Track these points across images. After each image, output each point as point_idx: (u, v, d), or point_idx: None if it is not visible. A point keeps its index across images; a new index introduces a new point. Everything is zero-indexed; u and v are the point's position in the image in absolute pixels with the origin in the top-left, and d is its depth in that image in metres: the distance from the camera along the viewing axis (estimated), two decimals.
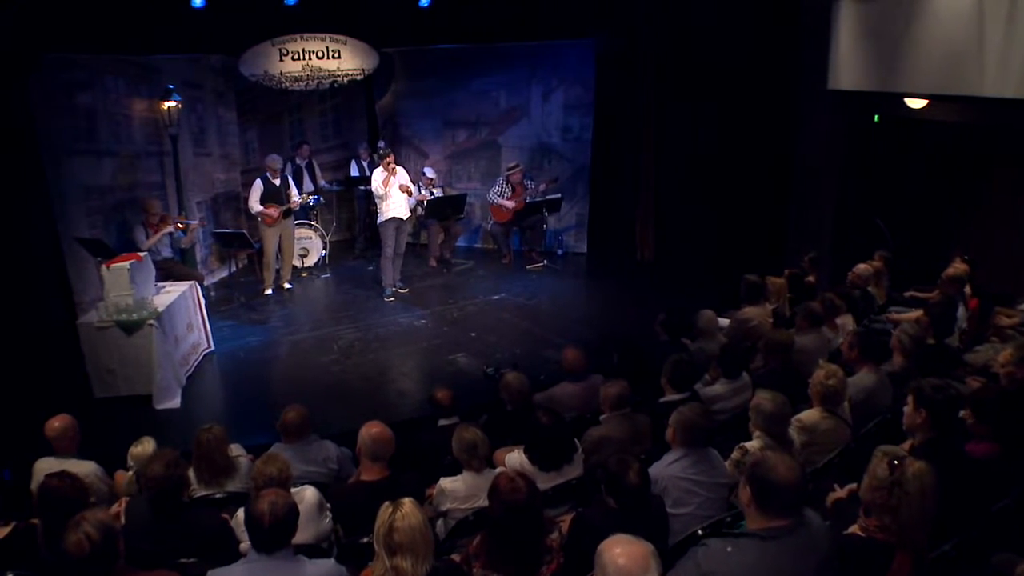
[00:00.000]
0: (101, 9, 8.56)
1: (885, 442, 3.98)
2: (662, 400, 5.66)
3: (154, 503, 4.23)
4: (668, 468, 4.38)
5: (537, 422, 4.79)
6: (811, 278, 8.61)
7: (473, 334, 9.19)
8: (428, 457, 5.45)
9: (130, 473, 5.32)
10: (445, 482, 4.57)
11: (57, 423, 5.31)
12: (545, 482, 4.61)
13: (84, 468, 5.19)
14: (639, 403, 5.61)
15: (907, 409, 4.23)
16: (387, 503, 3.33)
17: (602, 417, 5.37)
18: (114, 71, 9.80)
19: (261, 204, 10.67)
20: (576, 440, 5.01)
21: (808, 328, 6.67)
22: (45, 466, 5.15)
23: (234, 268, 11.73)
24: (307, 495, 4.43)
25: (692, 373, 5.85)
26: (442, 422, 5.77)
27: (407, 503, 3.30)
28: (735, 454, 4.60)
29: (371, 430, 4.51)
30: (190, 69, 11.22)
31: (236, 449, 5.83)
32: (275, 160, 10.89)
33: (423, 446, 5.63)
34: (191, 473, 4.98)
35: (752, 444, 4.60)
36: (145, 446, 5.34)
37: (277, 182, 10.78)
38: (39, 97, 8.50)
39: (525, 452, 4.78)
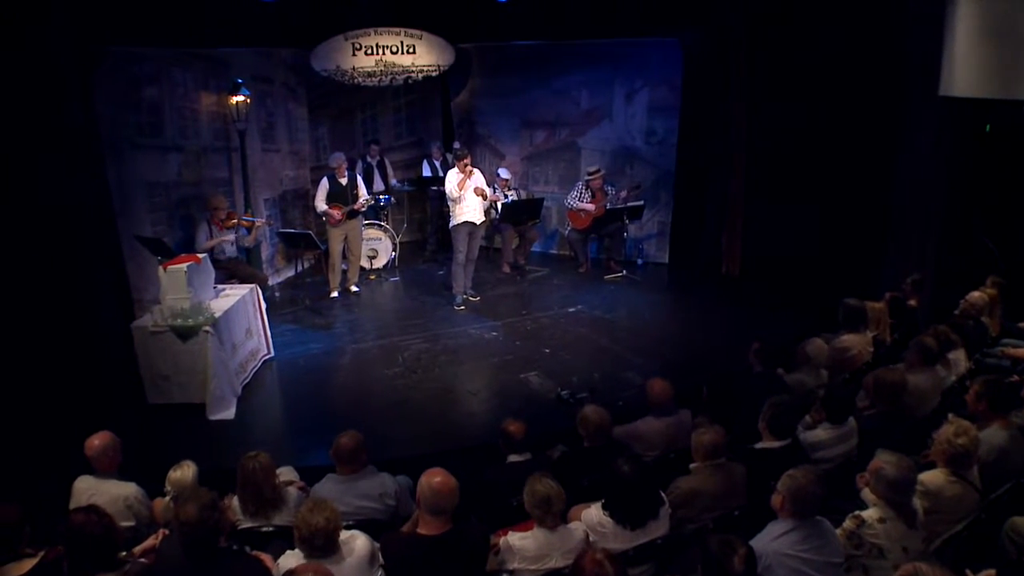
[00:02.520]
0: (169, 1, 8.28)
1: (1020, 512, 3.51)
2: (759, 446, 5.06)
3: (187, 548, 3.76)
4: (775, 543, 3.77)
5: (618, 472, 4.19)
6: (913, 302, 7.80)
7: (547, 350, 8.59)
8: (494, 497, 4.94)
9: (167, 499, 4.87)
10: (514, 539, 4.01)
11: (97, 441, 4.94)
12: (626, 541, 4.10)
13: (124, 490, 4.90)
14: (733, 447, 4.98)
15: None
16: None
17: (692, 466, 4.74)
18: (182, 64, 9.49)
19: (327, 204, 10.28)
20: (662, 492, 4.41)
21: (920, 366, 5.93)
22: (84, 486, 4.88)
23: (301, 268, 11.36)
24: (357, 546, 3.91)
25: (794, 418, 5.18)
26: (512, 458, 5.18)
27: None
28: (848, 523, 3.95)
29: (432, 480, 3.94)
30: (260, 63, 10.90)
31: (287, 473, 5.49)
32: (337, 159, 10.50)
33: (490, 484, 5.06)
34: (235, 503, 4.61)
35: (869, 514, 3.95)
36: (184, 471, 4.89)
37: (343, 181, 10.36)
38: (104, 91, 8.25)
39: (604, 507, 4.19)
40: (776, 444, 4.98)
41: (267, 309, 8.74)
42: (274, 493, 4.61)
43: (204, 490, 4.01)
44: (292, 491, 4.86)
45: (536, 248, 12.46)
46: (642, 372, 7.85)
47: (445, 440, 6.72)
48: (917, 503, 4.04)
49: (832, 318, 7.30)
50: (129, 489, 4.90)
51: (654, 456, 5.48)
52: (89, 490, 4.82)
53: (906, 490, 3.94)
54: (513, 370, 8.06)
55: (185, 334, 7.12)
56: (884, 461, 3.95)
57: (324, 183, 10.37)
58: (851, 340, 6.80)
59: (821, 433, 5.19)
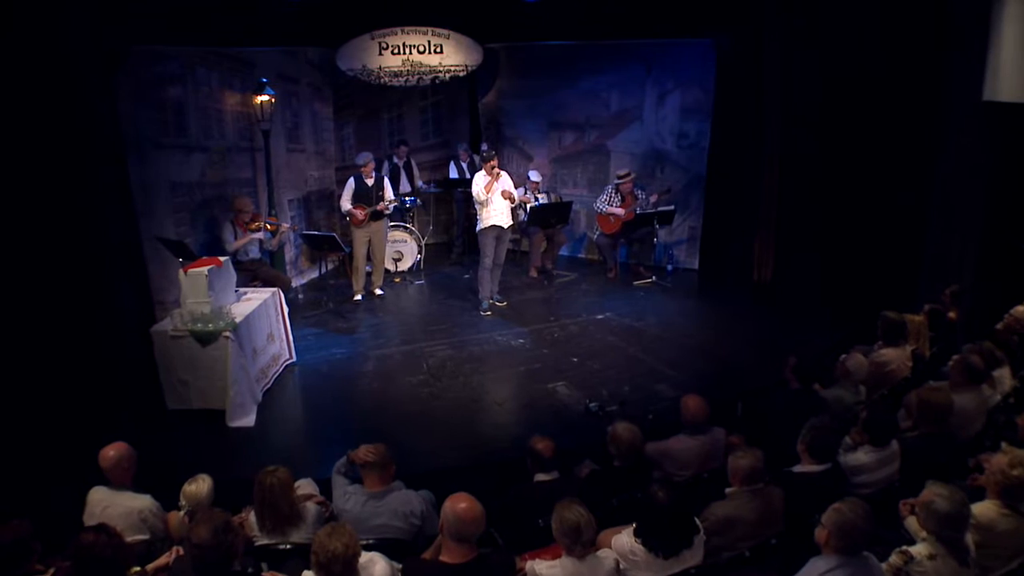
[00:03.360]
0: (194, 1, 8.15)
1: None
2: (798, 470, 4.82)
3: (199, 572, 3.60)
4: None
5: (653, 498, 3.97)
6: (952, 314, 7.49)
7: (575, 359, 8.34)
8: (520, 517, 4.74)
9: (182, 513, 4.73)
10: (541, 567, 3.80)
11: (112, 452, 4.80)
12: (659, 571, 3.92)
13: (139, 503, 4.76)
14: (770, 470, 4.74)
15: None
16: None
17: (729, 491, 4.49)
18: (206, 63, 9.37)
19: (351, 204, 10.14)
20: (696, 519, 4.18)
21: (965, 385, 5.63)
22: (98, 497, 4.75)
23: (324, 269, 11.20)
24: (377, 572, 3.72)
25: (836, 441, 4.93)
26: (540, 476, 4.96)
27: None
28: (895, 559, 3.71)
29: (458, 506, 3.74)
30: (286, 62, 10.79)
31: (306, 486, 5.32)
32: (365, 158, 10.30)
33: (515, 503, 4.86)
34: (252, 518, 4.46)
35: (918, 550, 3.70)
36: (200, 485, 4.73)
37: (370, 182, 10.19)
38: (127, 90, 8.15)
39: (637, 534, 3.97)
40: (816, 468, 4.74)
41: (290, 312, 8.59)
42: (292, 510, 4.45)
43: (218, 511, 3.85)
44: (311, 507, 4.67)
45: (564, 252, 12.22)
46: (673, 384, 7.63)
47: (469, 453, 6.53)
48: (968, 538, 3.79)
49: (867, 329, 7.09)
50: (144, 502, 4.77)
51: (686, 476, 5.27)
52: (103, 501, 4.71)
53: (959, 525, 3.68)
54: (540, 379, 7.83)
55: (205, 339, 6.96)
56: (935, 494, 3.69)
57: (351, 183, 10.22)
58: (890, 354, 6.54)
59: (863, 456, 4.93)
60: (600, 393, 7.27)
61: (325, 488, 5.34)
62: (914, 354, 6.75)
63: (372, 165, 10.24)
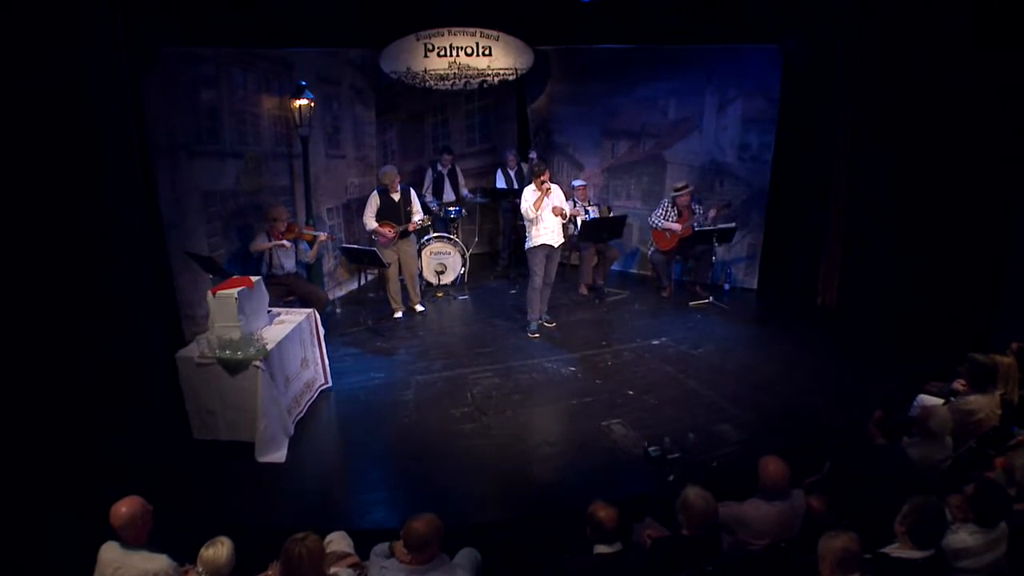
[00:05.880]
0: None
1: None
2: (895, 555, 4.13)
3: None
4: None
5: None
6: None
7: (630, 392, 7.67)
8: None
9: None
10: None
11: (124, 509, 4.28)
12: None
13: (154, 564, 4.28)
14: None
15: None
16: None
17: None
18: (242, 65, 8.84)
19: (376, 222, 9.54)
20: None
21: None
22: (109, 556, 4.30)
23: (364, 280, 10.66)
24: None
25: (942, 524, 4.24)
26: (600, 548, 4.32)
27: None
28: None
29: None
30: (326, 63, 10.25)
31: (340, 540, 4.91)
32: (388, 173, 9.60)
33: None
34: None
35: None
36: (218, 550, 4.19)
37: (396, 197, 9.55)
38: (157, 94, 7.68)
39: None
40: (918, 555, 4.06)
41: (326, 327, 8.07)
42: None
43: None
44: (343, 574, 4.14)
45: (614, 267, 11.54)
46: (736, 424, 6.96)
47: (517, 503, 5.91)
48: None
49: (943, 365, 6.73)
50: (159, 563, 4.27)
51: (762, 545, 4.65)
52: (115, 562, 4.25)
53: None
54: (594, 415, 7.18)
55: (234, 368, 6.41)
56: None
57: (374, 198, 9.58)
58: (978, 402, 5.87)
59: (967, 538, 4.22)
60: (659, 434, 6.58)
61: (359, 540, 4.83)
62: (1003, 400, 6.05)
63: (397, 179, 9.58)
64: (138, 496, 4.37)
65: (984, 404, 5.85)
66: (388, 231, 9.49)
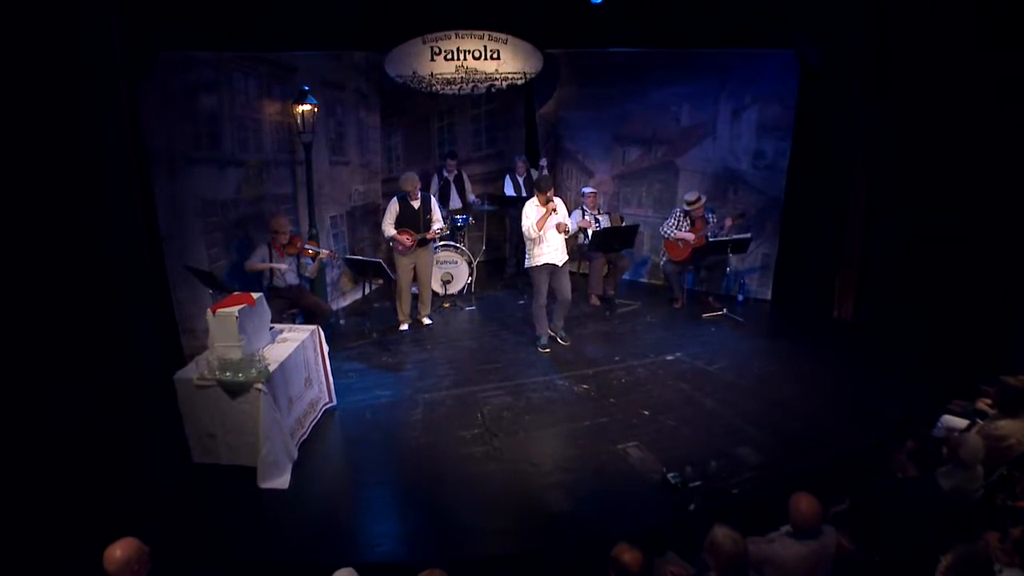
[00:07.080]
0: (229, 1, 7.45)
1: None
2: None
3: None
4: None
5: None
6: None
7: (646, 412, 7.37)
8: None
9: None
10: None
11: (118, 552, 4.02)
12: None
13: None
14: None
15: None
16: None
17: None
18: (243, 69, 8.55)
19: (395, 229, 9.26)
20: None
21: None
22: None
23: (367, 290, 10.37)
24: None
25: (990, 573, 3.97)
26: None
27: None
28: None
29: None
30: (330, 67, 9.99)
31: None
32: (409, 179, 9.31)
33: None
34: None
35: None
36: None
37: (416, 204, 9.29)
38: (154, 100, 7.40)
39: None
40: None
41: (330, 340, 7.81)
42: None
43: None
44: None
45: (625, 276, 11.25)
46: (756, 447, 6.67)
47: (532, 535, 5.61)
48: None
49: (964, 381, 6.65)
50: None
51: None
52: None
53: None
54: (609, 438, 6.87)
55: (235, 390, 6.13)
56: None
57: (393, 205, 9.30)
58: (1009, 427, 5.64)
59: None
60: (676, 458, 6.30)
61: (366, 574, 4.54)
62: None
63: (419, 186, 9.32)
64: (133, 538, 4.12)
65: (1015, 429, 5.63)
66: (407, 239, 9.22)
